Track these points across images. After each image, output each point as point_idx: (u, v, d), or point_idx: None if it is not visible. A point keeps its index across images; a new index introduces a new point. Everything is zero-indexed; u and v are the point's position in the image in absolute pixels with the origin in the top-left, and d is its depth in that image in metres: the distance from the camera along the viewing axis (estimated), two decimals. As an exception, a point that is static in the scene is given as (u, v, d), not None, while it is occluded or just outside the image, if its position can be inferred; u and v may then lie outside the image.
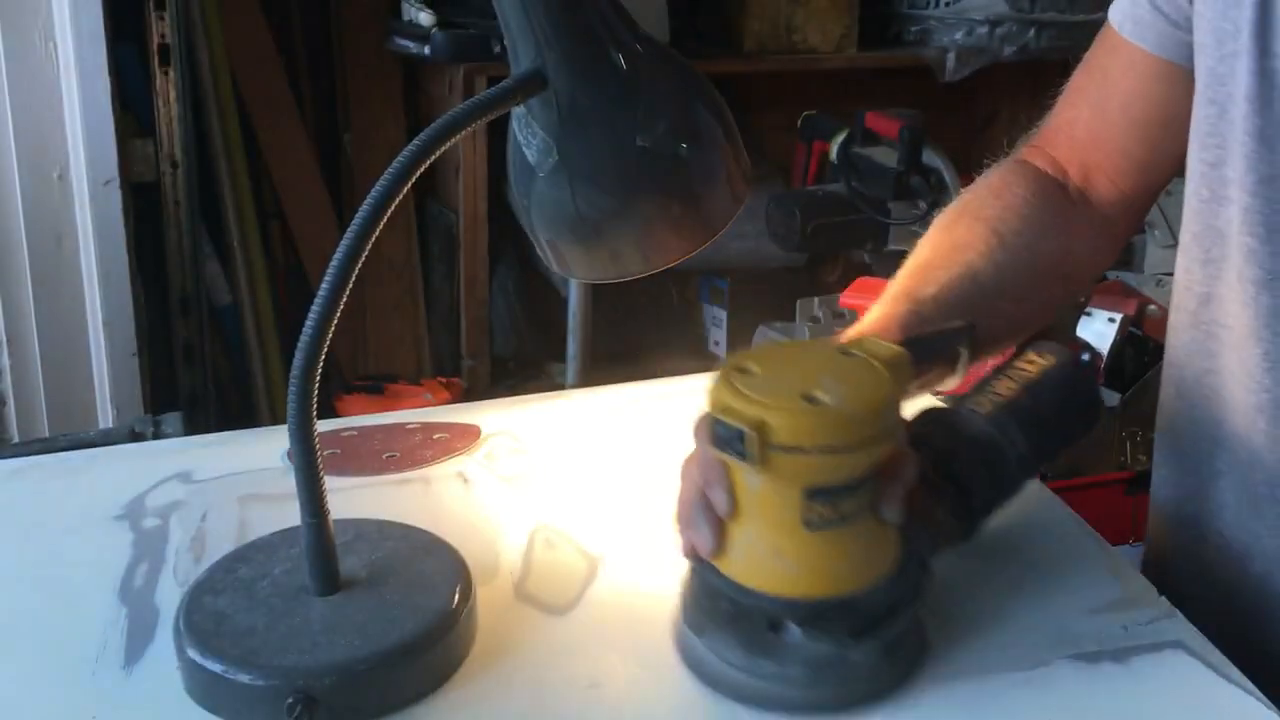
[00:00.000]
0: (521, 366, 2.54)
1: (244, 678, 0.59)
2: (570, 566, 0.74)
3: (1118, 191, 0.90)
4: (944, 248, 0.83)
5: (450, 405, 1.09)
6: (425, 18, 2.19)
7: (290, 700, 0.58)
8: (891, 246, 2.04)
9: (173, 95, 2.06)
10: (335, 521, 0.64)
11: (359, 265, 0.58)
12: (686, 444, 0.64)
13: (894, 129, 2.02)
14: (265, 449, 0.87)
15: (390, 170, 0.58)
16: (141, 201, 2.03)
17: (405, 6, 2.26)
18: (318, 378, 0.60)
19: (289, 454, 0.62)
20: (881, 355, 0.63)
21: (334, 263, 0.58)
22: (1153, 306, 1.86)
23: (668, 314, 2.66)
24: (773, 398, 0.58)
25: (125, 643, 0.66)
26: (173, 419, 1.12)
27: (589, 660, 0.65)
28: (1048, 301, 0.88)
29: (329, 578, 0.64)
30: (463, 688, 0.63)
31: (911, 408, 0.70)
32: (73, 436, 1.07)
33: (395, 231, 2.47)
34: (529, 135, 0.65)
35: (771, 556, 0.61)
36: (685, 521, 0.64)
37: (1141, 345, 1.83)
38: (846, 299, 1.78)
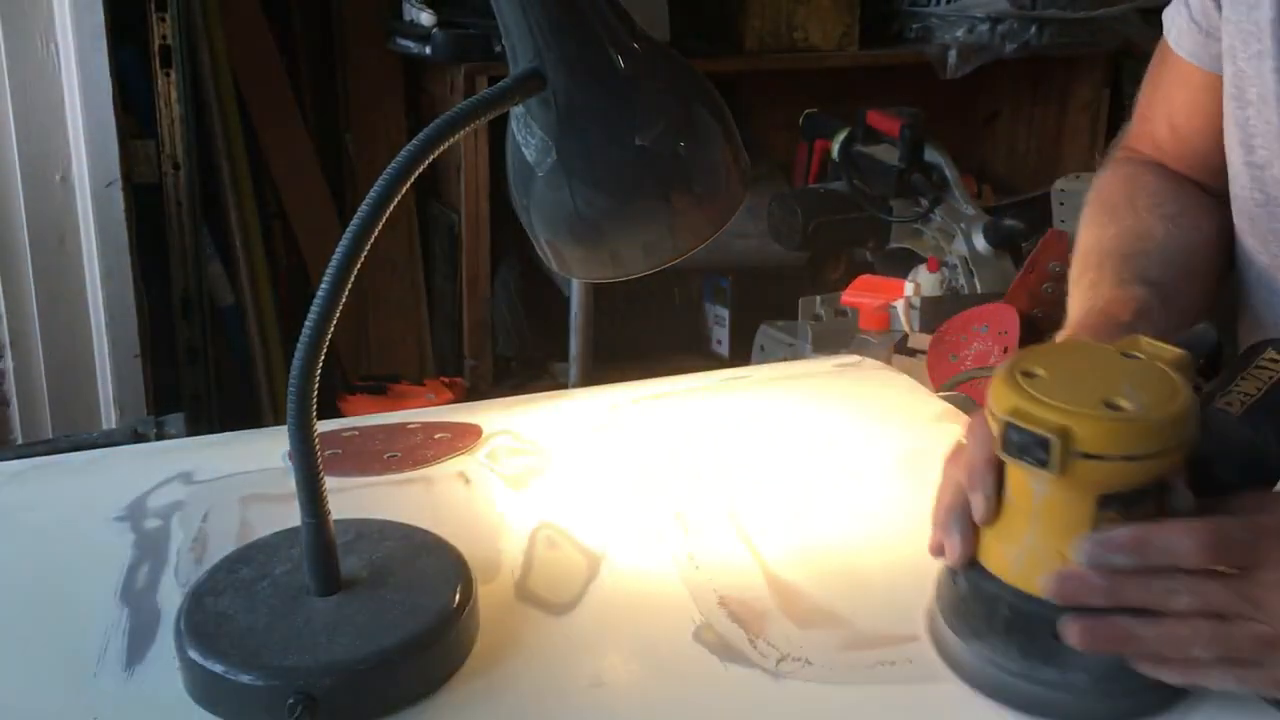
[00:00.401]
0: (524, 366, 2.54)
1: (245, 678, 0.59)
2: (572, 565, 0.74)
3: (1216, 190, 0.91)
4: (1128, 236, 0.83)
5: (452, 405, 1.09)
6: (426, 17, 2.19)
7: (291, 700, 0.58)
8: (893, 244, 2.05)
9: (174, 96, 2.07)
10: (336, 521, 0.64)
11: (359, 265, 0.58)
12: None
13: (895, 127, 2.02)
14: (267, 449, 0.87)
15: (389, 170, 0.58)
16: (143, 203, 2.03)
17: (406, 6, 2.27)
18: (317, 378, 0.60)
19: (289, 454, 0.62)
20: (1164, 358, 0.61)
21: (333, 263, 0.58)
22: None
23: (670, 313, 2.66)
24: (1074, 404, 0.57)
25: (126, 643, 0.66)
26: (175, 420, 1.12)
27: (591, 659, 0.65)
28: (1223, 275, 0.89)
29: (329, 578, 0.64)
30: (464, 687, 0.62)
31: None
32: (75, 437, 1.07)
33: (397, 231, 2.48)
34: (528, 135, 0.65)
35: (1059, 563, 0.59)
36: (940, 524, 0.64)
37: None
38: (849, 297, 1.78)
